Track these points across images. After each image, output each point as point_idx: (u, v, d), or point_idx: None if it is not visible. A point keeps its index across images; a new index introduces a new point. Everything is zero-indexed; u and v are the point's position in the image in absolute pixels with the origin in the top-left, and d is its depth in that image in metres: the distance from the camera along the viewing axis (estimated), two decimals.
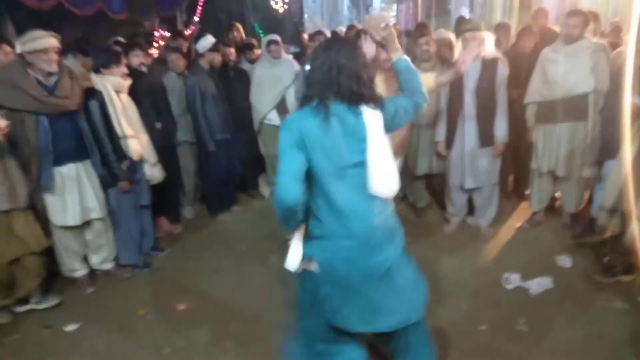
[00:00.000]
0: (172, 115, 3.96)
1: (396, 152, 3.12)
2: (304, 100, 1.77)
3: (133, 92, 3.36)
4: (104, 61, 3.12)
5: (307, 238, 1.83)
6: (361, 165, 1.75)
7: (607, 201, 2.76)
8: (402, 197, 4.21)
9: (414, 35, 4.15)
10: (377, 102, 1.76)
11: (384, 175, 1.77)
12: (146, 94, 3.64)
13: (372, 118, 1.74)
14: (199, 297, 3.04)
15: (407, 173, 3.88)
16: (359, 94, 1.72)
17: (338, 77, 1.69)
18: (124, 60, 3.22)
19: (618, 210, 2.73)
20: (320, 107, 1.69)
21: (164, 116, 3.83)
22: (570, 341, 2.44)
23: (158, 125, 3.74)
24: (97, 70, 3.12)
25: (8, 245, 2.72)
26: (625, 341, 2.42)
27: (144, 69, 3.76)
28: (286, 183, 1.66)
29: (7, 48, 3.14)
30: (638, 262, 2.67)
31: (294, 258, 1.83)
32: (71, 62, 3.39)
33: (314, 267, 1.81)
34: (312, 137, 1.69)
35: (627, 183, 2.60)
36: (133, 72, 3.51)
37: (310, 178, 1.75)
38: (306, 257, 1.82)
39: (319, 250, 1.80)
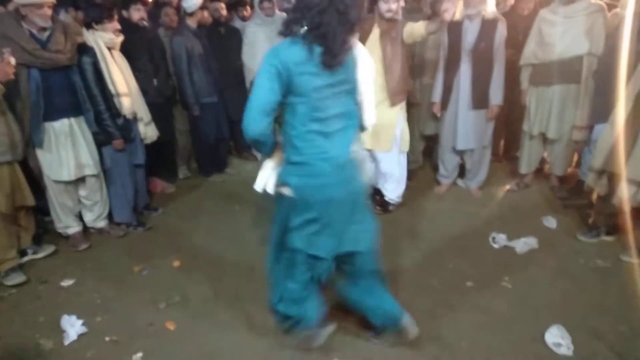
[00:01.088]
0: (169, 73, 3.88)
1: (395, 101, 3.14)
2: (290, 27, 1.69)
3: (131, 48, 3.30)
4: (96, 16, 3.03)
5: (284, 164, 1.87)
6: (349, 97, 1.80)
7: (596, 163, 2.79)
8: None
9: None
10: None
11: (371, 109, 1.87)
12: (145, 50, 3.56)
13: (361, 53, 1.78)
14: (193, 254, 3.09)
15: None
16: (351, 21, 1.66)
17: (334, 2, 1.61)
18: (116, 16, 3.14)
19: (606, 172, 2.78)
20: (310, 37, 1.64)
21: (161, 74, 3.76)
22: (552, 297, 2.54)
23: (155, 82, 3.68)
24: (88, 26, 3.05)
25: (15, 195, 2.78)
26: (603, 297, 2.52)
27: (145, 23, 3.63)
28: (255, 116, 1.69)
29: None
30: (623, 222, 2.76)
31: (262, 180, 1.92)
32: (62, 16, 3.30)
33: (287, 191, 1.86)
34: (298, 68, 1.66)
35: (618, 144, 2.63)
36: (132, 27, 3.43)
37: (288, 105, 1.75)
38: (281, 182, 1.87)
39: (294, 175, 1.83)
